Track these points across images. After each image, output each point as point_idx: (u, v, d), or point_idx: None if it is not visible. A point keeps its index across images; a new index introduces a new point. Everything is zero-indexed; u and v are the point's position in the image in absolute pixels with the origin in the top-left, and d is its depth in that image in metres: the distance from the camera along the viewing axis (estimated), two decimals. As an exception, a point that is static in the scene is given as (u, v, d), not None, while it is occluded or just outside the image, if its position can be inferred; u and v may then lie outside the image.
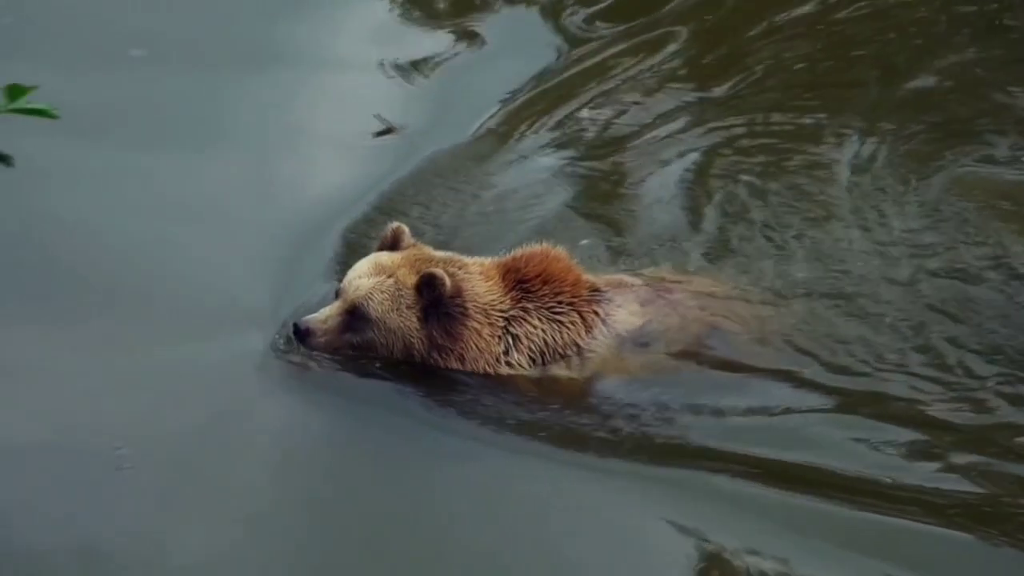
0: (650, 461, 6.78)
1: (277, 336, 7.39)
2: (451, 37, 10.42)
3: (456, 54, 10.20)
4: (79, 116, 7.98)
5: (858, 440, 6.84)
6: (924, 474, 6.64)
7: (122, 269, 7.92)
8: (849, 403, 7.07)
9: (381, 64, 9.97)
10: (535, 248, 7.38)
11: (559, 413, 7.07)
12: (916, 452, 6.77)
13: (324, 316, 7.15)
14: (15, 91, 4.69)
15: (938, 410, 7.02)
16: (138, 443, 6.73)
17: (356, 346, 7.19)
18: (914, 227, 8.21)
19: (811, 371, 7.25)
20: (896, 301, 7.62)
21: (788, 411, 7.05)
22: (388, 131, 9.36)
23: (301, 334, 7.13)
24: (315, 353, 7.22)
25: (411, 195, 8.64)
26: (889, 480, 6.60)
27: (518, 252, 7.38)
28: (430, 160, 8.98)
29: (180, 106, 9.24)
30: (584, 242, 8.19)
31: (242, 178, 8.77)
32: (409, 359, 7.19)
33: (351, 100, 9.58)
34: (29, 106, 4.70)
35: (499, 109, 9.60)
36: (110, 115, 9.03)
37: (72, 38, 9.73)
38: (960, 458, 6.73)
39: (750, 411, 7.05)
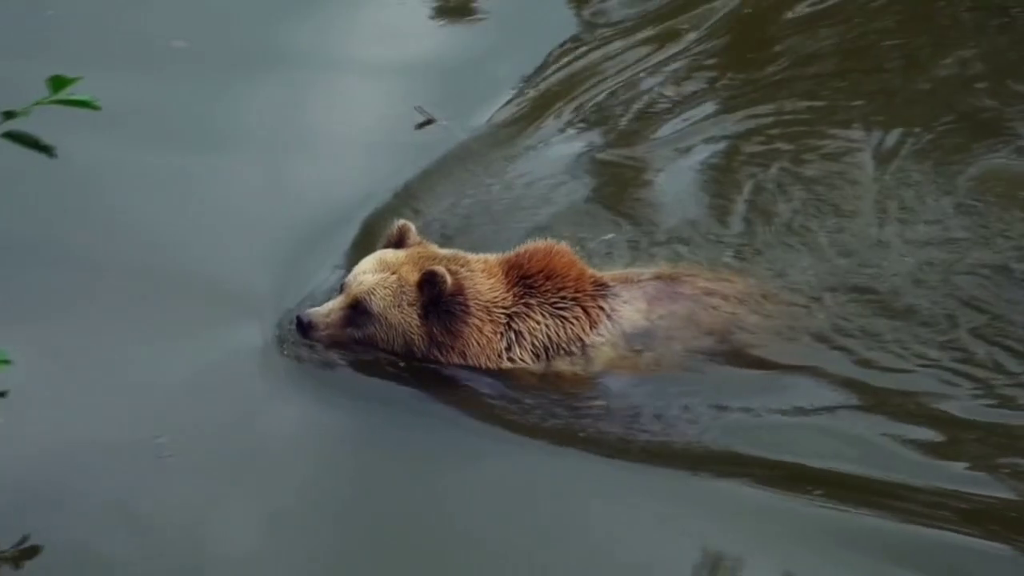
0: (658, 460, 6.75)
1: (279, 330, 7.46)
2: (467, 27, 10.40)
3: (472, 44, 10.15)
4: (112, 110, 8.13)
5: (881, 441, 6.76)
6: (951, 476, 6.54)
7: (149, 263, 8.00)
8: (868, 403, 6.97)
9: (400, 58, 9.97)
10: (539, 244, 7.37)
11: (568, 411, 7.05)
12: (942, 453, 6.67)
13: (327, 310, 7.21)
14: (58, 82, 4.86)
15: (967, 408, 6.90)
16: (176, 433, 6.85)
17: (358, 341, 7.23)
18: (941, 219, 8.06)
19: (830, 369, 7.14)
20: (923, 295, 7.49)
21: (803, 410, 6.96)
22: (429, 122, 9.41)
23: (303, 327, 7.18)
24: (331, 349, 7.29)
25: (432, 188, 8.65)
26: (912, 482, 6.51)
27: (521, 248, 7.38)
28: (451, 152, 8.98)
29: (204, 104, 9.36)
30: (609, 236, 8.18)
31: (265, 176, 8.81)
32: (410, 355, 7.23)
33: (373, 96, 9.61)
34: (71, 97, 4.86)
35: (518, 98, 9.56)
36: (146, 111, 9.22)
37: (108, 31, 9.91)
38: (990, 460, 6.62)
39: (761, 410, 6.96)
